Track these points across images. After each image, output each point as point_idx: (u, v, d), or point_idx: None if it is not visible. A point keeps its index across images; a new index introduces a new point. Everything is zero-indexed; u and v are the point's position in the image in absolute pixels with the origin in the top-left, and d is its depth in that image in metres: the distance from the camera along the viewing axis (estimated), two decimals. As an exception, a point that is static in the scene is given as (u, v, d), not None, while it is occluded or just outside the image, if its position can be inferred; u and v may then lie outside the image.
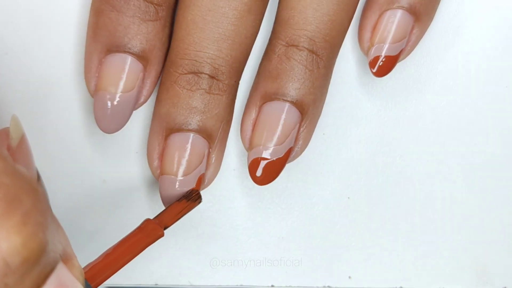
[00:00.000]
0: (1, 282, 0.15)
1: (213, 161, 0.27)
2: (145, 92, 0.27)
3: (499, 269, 0.30)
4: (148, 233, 0.25)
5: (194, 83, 0.26)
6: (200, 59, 0.26)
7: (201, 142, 0.26)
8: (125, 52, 0.26)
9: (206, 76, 0.26)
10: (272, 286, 0.30)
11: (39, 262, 0.16)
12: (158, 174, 0.27)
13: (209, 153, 0.27)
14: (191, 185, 0.27)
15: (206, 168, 0.27)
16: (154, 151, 0.27)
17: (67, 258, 0.20)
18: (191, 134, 0.26)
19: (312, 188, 0.30)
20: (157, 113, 0.27)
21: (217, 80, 0.26)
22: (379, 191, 0.30)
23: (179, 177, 0.26)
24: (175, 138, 0.26)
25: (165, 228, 0.25)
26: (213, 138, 0.27)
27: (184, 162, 0.26)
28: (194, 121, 0.26)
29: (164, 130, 0.27)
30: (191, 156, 0.26)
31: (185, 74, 0.26)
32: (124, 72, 0.26)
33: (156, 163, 0.27)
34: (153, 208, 0.29)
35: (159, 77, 0.27)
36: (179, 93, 0.26)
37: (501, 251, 0.30)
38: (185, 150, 0.26)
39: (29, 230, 0.16)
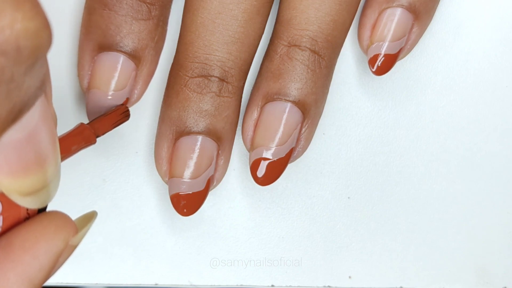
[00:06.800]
0: (9, 71, 0.14)
1: (221, 162, 0.27)
2: (137, 91, 0.27)
3: (499, 269, 0.30)
4: (84, 138, 0.24)
5: (204, 86, 0.26)
6: (210, 62, 0.26)
7: (211, 144, 0.26)
8: (117, 50, 0.26)
9: (216, 79, 0.26)
10: (272, 286, 0.30)
11: (42, 61, 0.15)
12: (167, 177, 0.27)
13: (218, 155, 0.27)
14: (201, 187, 0.26)
15: (215, 170, 0.27)
16: (163, 155, 0.27)
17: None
18: (201, 137, 0.26)
19: (312, 188, 0.30)
20: (167, 116, 0.27)
21: (227, 82, 0.26)
22: (379, 191, 0.30)
23: (189, 180, 0.26)
24: (186, 141, 0.26)
25: (96, 137, 0.25)
26: (223, 140, 0.27)
27: (194, 165, 0.26)
28: (204, 124, 0.26)
29: (174, 133, 0.26)
30: (201, 158, 0.26)
31: (195, 77, 0.26)
32: (116, 71, 0.26)
33: (165, 167, 0.27)
34: (153, 208, 0.29)
35: (152, 76, 0.27)
36: (190, 97, 0.26)
37: (501, 251, 0.30)
38: (195, 153, 0.26)
39: (42, 20, 0.15)
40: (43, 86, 0.16)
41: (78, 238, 0.20)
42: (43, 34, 0.15)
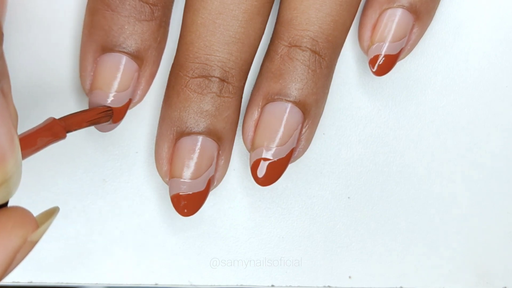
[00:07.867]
0: None
1: (222, 162, 0.27)
2: (139, 92, 0.27)
3: (499, 269, 0.30)
4: (53, 133, 0.23)
5: (205, 86, 0.26)
6: (211, 63, 0.26)
7: (212, 144, 0.26)
8: (120, 51, 0.26)
9: (217, 79, 0.26)
10: (272, 286, 0.30)
11: None
12: (168, 178, 0.27)
13: (218, 155, 0.27)
14: (201, 188, 0.26)
15: (216, 170, 0.27)
16: (163, 155, 0.27)
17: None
18: (202, 137, 0.26)
19: (312, 188, 0.30)
20: (167, 117, 0.27)
21: (227, 83, 0.26)
22: (379, 191, 0.30)
23: (189, 180, 0.26)
24: (186, 141, 0.26)
25: (67, 132, 0.24)
26: (223, 140, 0.27)
27: (194, 165, 0.26)
28: (205, 124, 0.26)
29: (174, 134, 0.26)
30: (201, 159, 0.26)
31: (196, 78, 0.26)
32: (119, 71, 0.26)
33: (165, 167, 0.27)
34: (153, 208, 0.29)
35: (154, 76, 0.27)
36: (190, 97, 0.26)
37: (501, 251, 0.30)
38: (196, 153, 0.26)
39: None
40: None
41: (38, 234, 0.19)
42: None
